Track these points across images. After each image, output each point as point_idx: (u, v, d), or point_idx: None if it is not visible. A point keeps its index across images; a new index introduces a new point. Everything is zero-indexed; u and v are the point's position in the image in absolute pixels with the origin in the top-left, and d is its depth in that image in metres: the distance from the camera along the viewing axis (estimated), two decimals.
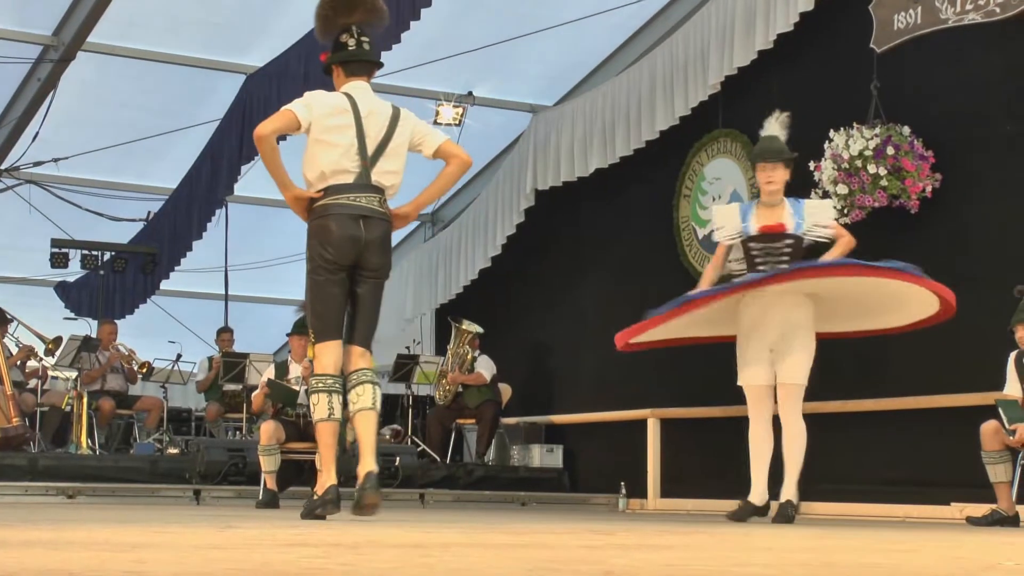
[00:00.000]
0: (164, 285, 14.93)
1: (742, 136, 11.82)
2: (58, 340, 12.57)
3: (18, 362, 12.48)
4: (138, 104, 13.41)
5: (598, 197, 13.62)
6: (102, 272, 14.49)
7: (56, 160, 13.78)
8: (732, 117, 12.02)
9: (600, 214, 13.76)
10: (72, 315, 14.80)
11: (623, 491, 12.00)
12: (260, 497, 9.47)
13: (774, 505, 7.59)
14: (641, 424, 12.50)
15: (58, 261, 14.17)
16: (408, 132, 6.28)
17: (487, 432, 13.09)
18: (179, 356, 13.50)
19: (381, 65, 6.46)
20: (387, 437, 13.55)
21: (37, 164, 13.88)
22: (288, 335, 10.50)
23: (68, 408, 12.23)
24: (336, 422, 6.09)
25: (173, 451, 12.41)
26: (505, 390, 13.44)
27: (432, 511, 10.16)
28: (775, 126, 7.72)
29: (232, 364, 12.90)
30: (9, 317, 12.34)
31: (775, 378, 7.46)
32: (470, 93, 14.10)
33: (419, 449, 12.87)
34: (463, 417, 13.32)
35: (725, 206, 8.31)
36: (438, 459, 12.88)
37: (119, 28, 12.34)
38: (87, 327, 13.85)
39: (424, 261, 15.84)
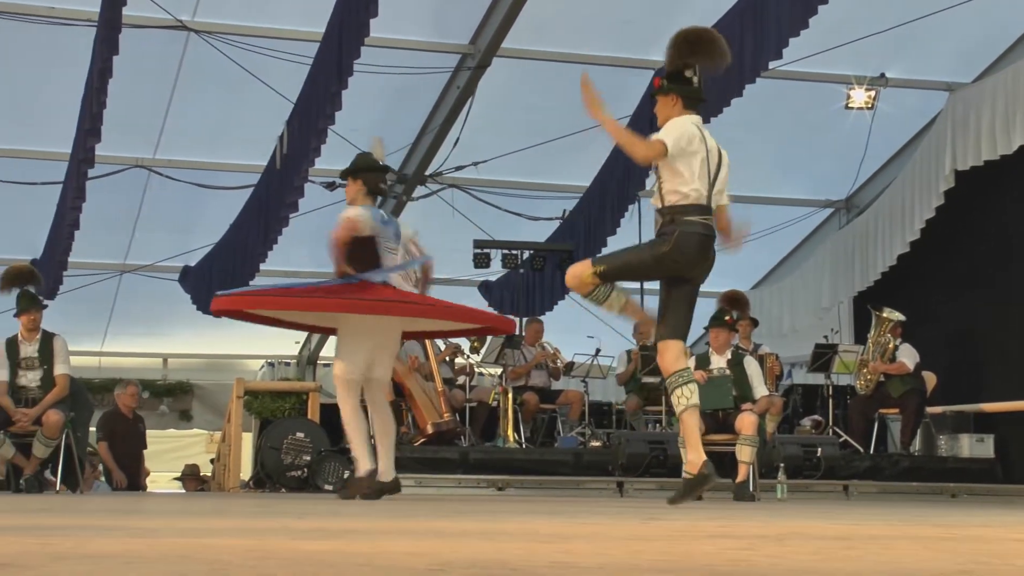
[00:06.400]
0: None
1: None
2: (482, 338, 13.03)
3: (446, 359, 13.00)
4: (550, 105, 13.75)
5: (1023, 174, 13.00)
6: (522, 271, 14.90)
7: (476, 164, 14.30)
8: None
9: None
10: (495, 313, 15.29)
11: None
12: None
13: None
14: None
15: (480, 261, 14.65)
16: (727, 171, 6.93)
17: (912, 422, 12.71)
18: (598, 350, 13.73)
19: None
20: (807, 427, 13.36)
21: (458, 168, 14.45)
22: (706, 327, 10.50)
23: (495, 403, 12.65)
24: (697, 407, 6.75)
25: (595, 444, 12.63)
26: (929, 378, 13.00)
27: (856, 503, 9.96)
28: (377, 150, 8.07)
29: (651, 357, 13.00)
30: None
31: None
32: (882, 75, 13.73)
33: (841, 440, 12.63)
34: (886, 407, 12.98)
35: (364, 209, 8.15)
36: (861, 450, 12.61)
37: (530, 33, 12.69)
38: None
39: (840, 248, 15.54)
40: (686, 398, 6.68)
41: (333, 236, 7.50)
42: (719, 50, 6.72)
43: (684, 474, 6.81)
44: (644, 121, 12.79)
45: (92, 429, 12.35)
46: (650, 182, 13.58)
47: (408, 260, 7.89)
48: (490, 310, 15.34)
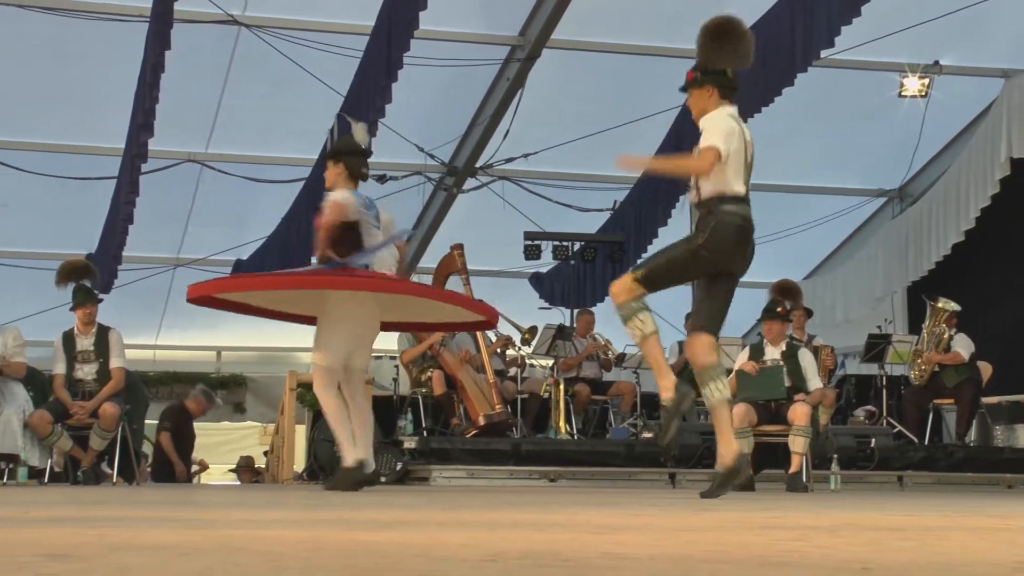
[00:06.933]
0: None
1: None
2: (533, 329, 13.03)
3: (497, 351, 13.01)
4: (600, 96, 13.73)
5: None
6: (572, 262, 14.89)
7: (526, 155, 14.30)
8: None
9: None
10: (546, 305, 15.28)
11: None
12: None
13: None
14: None
15: (531, 253, 14.65)
16: None
17: (967, 412, 12.61)
18: None
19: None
20: (861, 418, 13.28)
21: (509, 160, 14.45)
22: (760, 319, 10.46)
23: (546, 395, 12.64)
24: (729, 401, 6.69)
25: (647, 435, 12.60)
26: (985, 368, 12.88)
27: (911, 494, 9.90)
28: (360, 134, 7.93)
29: None
30: None
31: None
32: (936, 62, 13.61)
33: (895, 430, 12.55)
34: (940, 397, 12.88)
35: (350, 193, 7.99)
36: (915, 440, 12.52)
37: (579, 23, 12.67)
38: (560, 316, 14.28)
39: (893, 238, 15.44)
40: (719, 391, 6.56)
41: (321, 221, 7.48)
42: (746, 42, 6.63)
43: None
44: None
45: (148, 422, 12.51)
46: None
47: (386, 241, 7.78)
48: (541, 299, 15.33)
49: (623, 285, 6.55)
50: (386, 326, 8.40)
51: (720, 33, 6.66)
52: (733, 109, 6.68)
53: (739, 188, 6.53)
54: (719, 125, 6.51)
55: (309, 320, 8.00)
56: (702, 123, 6.64)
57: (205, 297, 7.83)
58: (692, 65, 6.82)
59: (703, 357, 6.58)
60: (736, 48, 6.66)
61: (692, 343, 6.65)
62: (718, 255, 6.50)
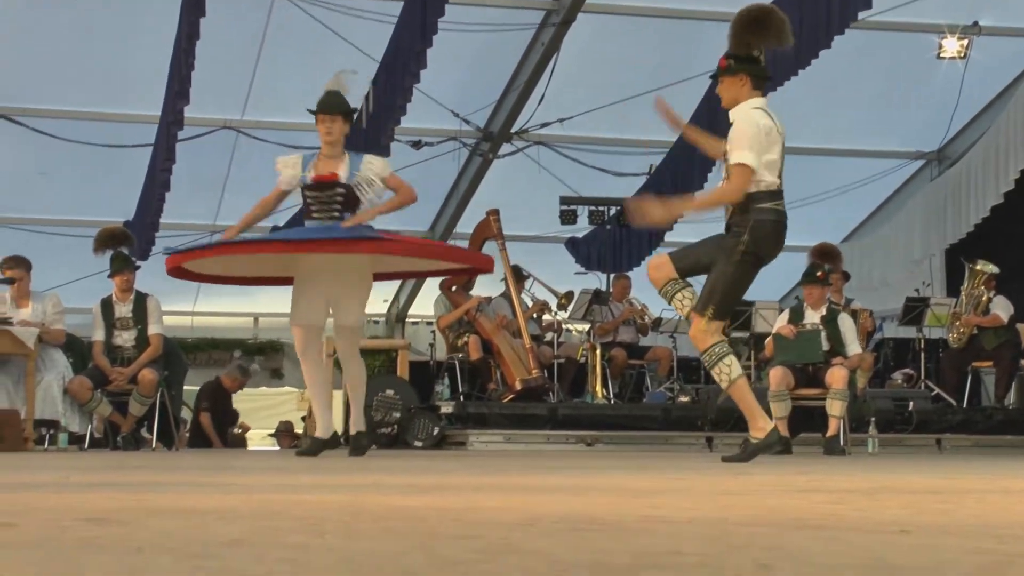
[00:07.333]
0: (668, 237, 15.15)
1: None
2: (570, 294, 13.04)
3: (533, 315, 13.02)
4: (636, 60, 13.66)
5: None
6: (608, 227, 14.86)
7: (561, 120, 14.25)
8: None
9: None
10: (582, 269, 15.27)
11: None
12: None
13: None
14: None
15: (567, 218, 14.64)
16: None
17: (1006, 375, 12.55)
18: None
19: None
20: (899, 381, 13.24)
21: (544, 125, 14.41)
22: (800, 283, 10.44)
23: (583, 359, 12.65)
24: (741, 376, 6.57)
25: (684, 399, 12.60)
26: None
27: (949, 457, 9.87)
28: (336, 82, 8.14)
29: (738, 312, 12.92)
30: (525, 274, 12.89)
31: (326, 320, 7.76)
32: (975, 23, 13.48)
33: (933, 393, 12.51)
34: (979, 360, 12.81)
35: (289, 156, 8.19)
36: (954, 403, 12.47)
37: None
38: (596, 280, 14.27)
39: (932, 200, 15.33)
40: (730, 370, 6.47)
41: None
42: (786, 32, 6.55)
43: (751, 438, 6.60)
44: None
45: (186, 388, 12.62)
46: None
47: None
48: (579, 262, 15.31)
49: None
50: (381, 276, 8.45)
51: (754, 24, 6.59)
52: (764, 101, 6.62)
53: (772, 182, 6.49)
54: (746, 131, 6.44)
55: (287, 281, 7.99)
56: (732, 115, 6.60)
57: (179, 268, 7.97)
58: (725, 52, 6.77)
59: (705, 339, 6.52)
60: (774, 34, 6.58)
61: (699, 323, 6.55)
62: (762, 252, 6.52)
